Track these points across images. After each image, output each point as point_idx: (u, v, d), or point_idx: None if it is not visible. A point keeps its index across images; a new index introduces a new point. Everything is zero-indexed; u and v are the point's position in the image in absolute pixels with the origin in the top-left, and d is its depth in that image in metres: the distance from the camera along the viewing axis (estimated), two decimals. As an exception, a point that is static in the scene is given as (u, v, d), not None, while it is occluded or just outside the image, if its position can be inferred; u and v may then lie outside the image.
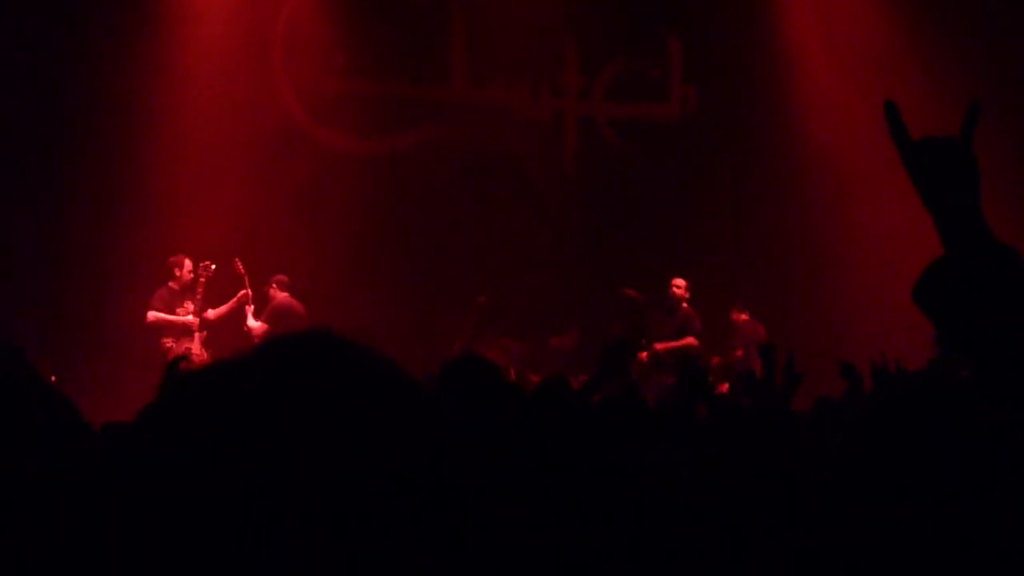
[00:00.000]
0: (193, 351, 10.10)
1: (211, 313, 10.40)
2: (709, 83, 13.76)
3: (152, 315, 10.13)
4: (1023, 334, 1.39)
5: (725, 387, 8.36)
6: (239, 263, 10.43)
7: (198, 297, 10.28)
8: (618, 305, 11.34)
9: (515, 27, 12.97)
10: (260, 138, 11.91)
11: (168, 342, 10.07)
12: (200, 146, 11.53)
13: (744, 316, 11.91)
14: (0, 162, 10.91)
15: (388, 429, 0.91)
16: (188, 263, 10.30)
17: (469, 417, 2.95)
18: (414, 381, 0.97)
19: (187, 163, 11.46)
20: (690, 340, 10.96)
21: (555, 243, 12.73)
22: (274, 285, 10.77)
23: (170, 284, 10.28)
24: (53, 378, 9.08)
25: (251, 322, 10.47)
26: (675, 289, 11.23)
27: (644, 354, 10.90)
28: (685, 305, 11.21)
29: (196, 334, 10.23)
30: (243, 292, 10.43)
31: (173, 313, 10.26)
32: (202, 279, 10.25)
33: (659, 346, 10.94)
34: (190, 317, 10.22)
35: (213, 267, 10.28)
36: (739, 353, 11.48)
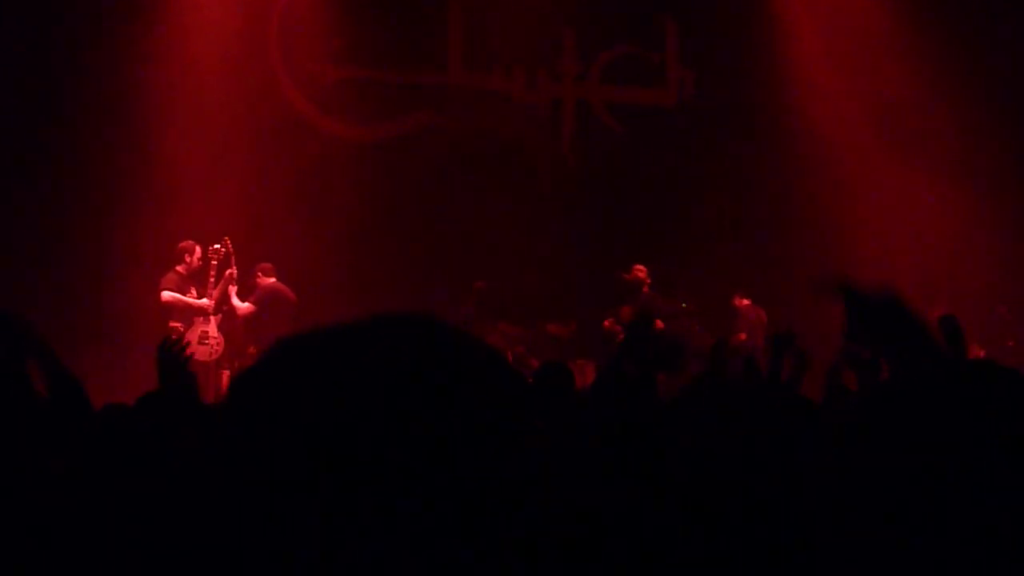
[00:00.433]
0: (211, 333, 10.14)
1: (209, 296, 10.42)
2: (707, 67, 13.74)
3: (168, 295, 10.13)
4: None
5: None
6: (228, 242, 10.41)
7: (210, 280, 10.31)
8: (617, 289, 11.35)
9: (513, 13, 12.96)
10: (259, 125, 11.90)
11: (177, 326, 10.07)
12: (199, 133, 11.52)
13: (746, 301, 11.96)
14: (1, 151, 10.91)
15: (497, 411, 0.91)
16: (199, 250, 10.31)
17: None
18: (517, 371, 0.97)
19: (186, 150, 11.45)
20: (657, 324, 10.85)
21: (554, 228, 12.72)
22: (259, 273, 10.78)
23: (178, 269, 10.27)
24: (62, 364, 9.10)
25: (236, 302, 10.48)
26: (637, 274, 11.23)
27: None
28: (646, 290, 11.18)
29: (212, 317, 10.27)
30: (229, 272, 10.41)
31: (181, 306, 10.27)
32: (213, 261, 10.28)
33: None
34: (205, 300, 10.25)
35: (223, 250, 10.30)
36: (743, 337, 11.54)
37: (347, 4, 12.59)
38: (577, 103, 13.73)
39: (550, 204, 12.97)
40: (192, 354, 4.03)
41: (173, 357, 3.46)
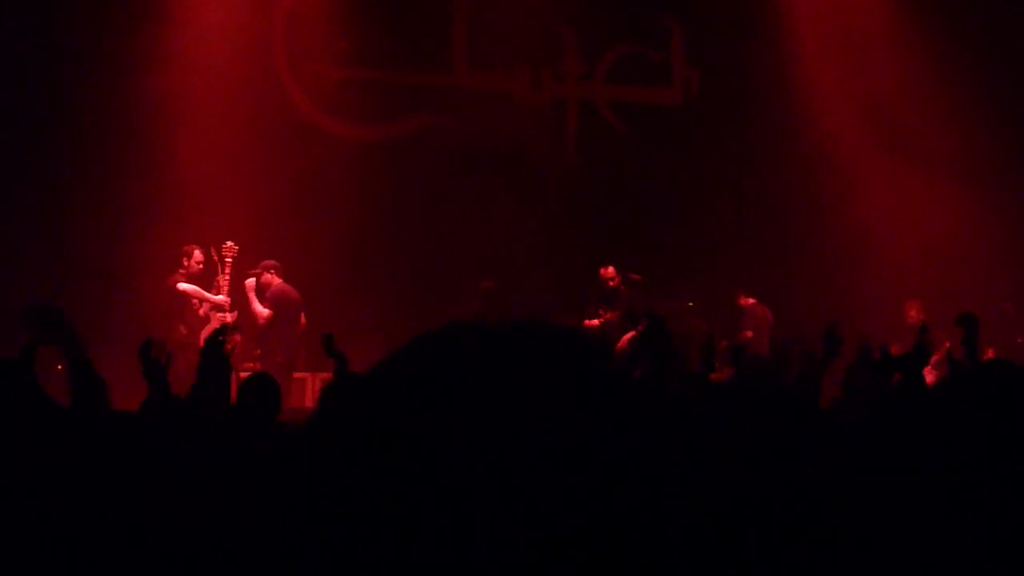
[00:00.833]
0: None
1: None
2: (712, 66, 13.73)
3: (185, 286, 10.15)
4: None
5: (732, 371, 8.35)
6: (232, 247, 10.41)
7: (225, 278, 10.32)
8: (596, 291, 11.35)
9: (516, 13, 12.95)
10: (263, 126, 11.91)
11: (183, 329, 10.05)
12: (203, 134, 11.51)
13: (751, 300, 11.96)
14: (4, 154, 10.91)
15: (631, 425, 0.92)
16: (198, 252, 10.30)
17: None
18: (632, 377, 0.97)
19: (190, 151, 11.44)
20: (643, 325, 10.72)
21: (558, 228, 12.72)
22: (272, 271, 10.75)
23: (180, 272, 10.29)
24: (59, 367, 9.11)
25: (258, 307, 10.46)
26: (609, 283, 11.10)
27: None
28: (624, 289, 11.03)
29: (228, 315, 10.29)
30: (248, 281, 10.43)
31: (187, 304, 10.26)
32: (228, 259, 10.30)
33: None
34: (222, 297, 10.26)
35: (235, 247, 10.33)
36: (749, 335, 11.54)
37: (351, 5, 12.59)
38: (581, 103, 13.73)
39: (554, 204, 12.97)
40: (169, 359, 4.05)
41: (154, 362, 3.47)
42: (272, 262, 10.78)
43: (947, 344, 9.25)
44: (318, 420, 0.98)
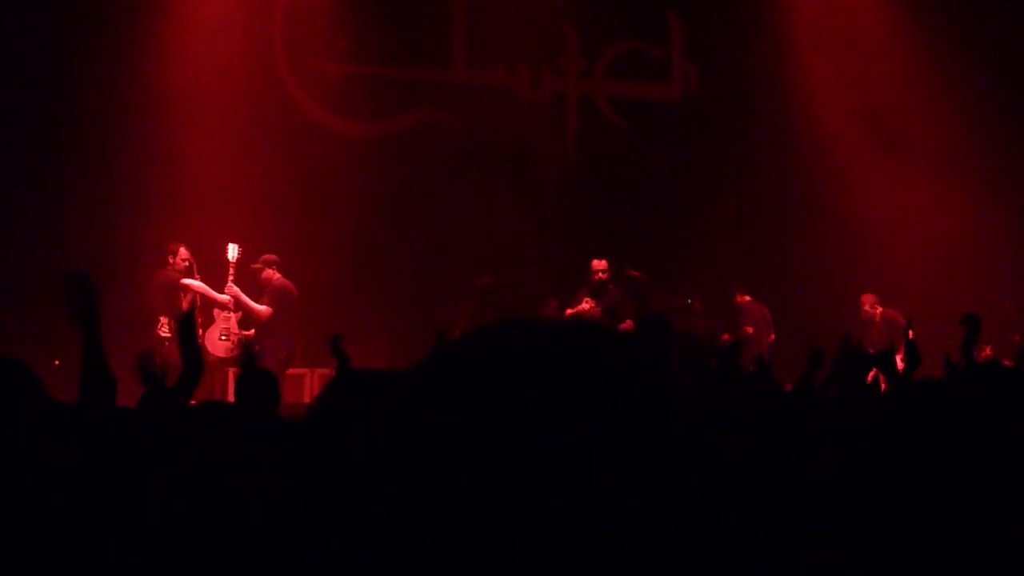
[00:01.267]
0: (231, 331, 10.18)
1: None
2: (711, 62, 13.73)
3: (190, 282, 10.16)
4: None
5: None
6: (235, 248, 10.41)
7: (231, 277, 10.33)
8: (621, 286, 11.31)
9: (516, 9, 12.95)
10: (262, 122, 11.89)
11: (171, 325, 10.04)
12: (201, 131, 11.49)
13: (747, 298, 11.97)
14: (2, 152, 10.91)
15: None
16: (183, 251, 10.29)
17: None
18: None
19: (188, 147, 11.43)
20: (627, 324, 10.53)
21: (558, 224, 12.72)
22: (272, 266, 10.72)
23: (166, 269, 10.28)
24: (56, 362, 9.12)
25: (254, 305, 10.44)
26: (596, 275, 10.80)
27: None
28: (612, 288, 10.78)
29: (232, 314, 10.30)
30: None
31: (176, 299, 10.25)
32: (234, 259, 10.33)
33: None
34: (226, 296, 10.27)
35: (238, 249, 10.35)
36: (750, 331, 11.57)
37: (351, 1, 12.58)
38: (581, 99, 13.72)
39: (554, 200, 12.97)
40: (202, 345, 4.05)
41: (153, 375, 3.46)
42: (272, 257, 10.75)
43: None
44: (320, 418, 0.98)
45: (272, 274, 10.68)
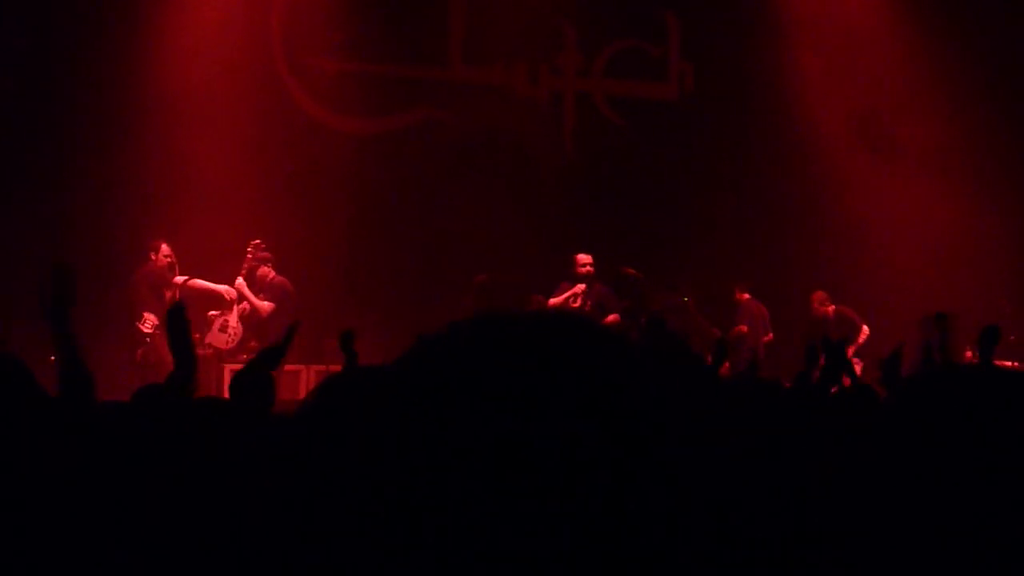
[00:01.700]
0: (230, 323, 10.22)
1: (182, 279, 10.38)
2: (708, 61, 13.74)
3: (196, 282, 10.19)
4: None
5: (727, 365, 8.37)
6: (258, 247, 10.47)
7: (243, 273, 10.36)
8: (618, 283, 11.30)
9: (513, 7, 12.96)
10: (259, 119, 11.89)
11: (152, 317, 10.00)
12: (199, 128, 11.49)
13: (746, 295, 11.99)
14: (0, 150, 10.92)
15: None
16: (165, 247, 10.28)
17: None
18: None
19: (188, 145, 11.43)
20: (614, 317, 10.52)
21: (555, 222, 12.72)
22: (268, 263, 10.73)
23: (148, 264, 10.26)
24: (52, 358, 9.10)
25: (257, 302, 10.45)
26: (580, 268, 10.65)
27: None
28: (581, 286, 10.61)
29: (235, 307, 10.32)
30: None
31: (160, 294, 10.21)
32: (249, 256, 10.33)
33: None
34: (224, 286, 10.31)
35: (261, 244, 10.40)
36: (744, 329, 11.59)
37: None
38: (578, 97, 13.72)
39: (551, 198, 12.96)
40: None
41: (183, 331, 3.46)
42: (268, 254, 10.76)
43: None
44: (311, 415, 0.97)
45: (268, 270, 10.70)
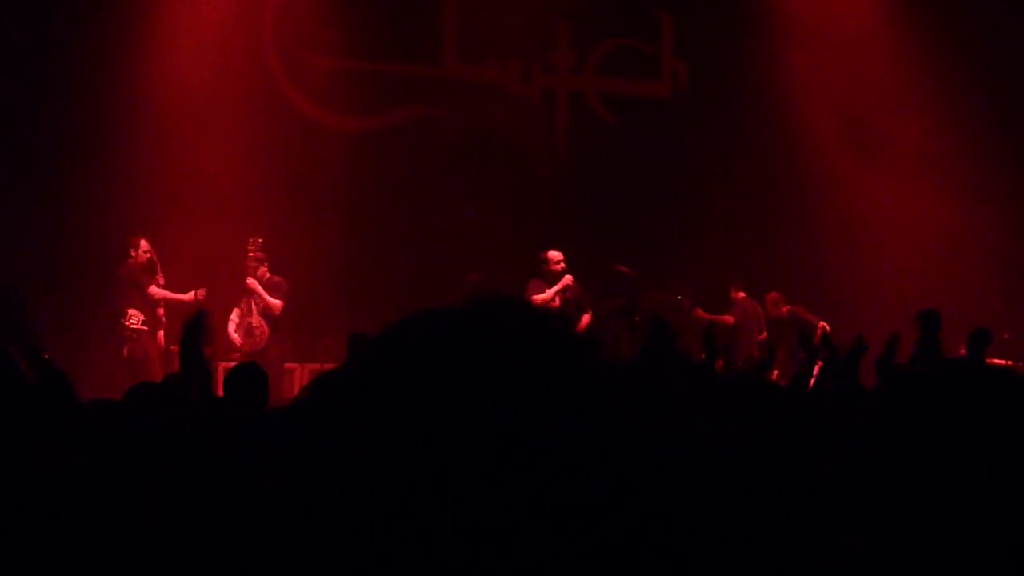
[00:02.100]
0: (254, 324, 10.27)
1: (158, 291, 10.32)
2: (701, 59, 13.74)
3: (156, 290, 10.16)
4: None
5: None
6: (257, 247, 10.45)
7: (249, 272, 10.35)
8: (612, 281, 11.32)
9: (506, 5, 12.96)
10: (251, 117, 11.87)
11: (137, 313, 9.97)
12: (192, 126, 11.47)
13: (741, 294, 12.01)
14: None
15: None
16: (144, 244, 10.24)
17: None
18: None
19: (181, 144, 11.41)
20: (587, 316, 10.41)
21: (548, 220, 12.71)
22: (264, 263, 10.68)
23: (128, 261, 10.23)
24: (46, 355, 9.08)
25: (270, 299, 10.42)
26: (554, 266, 10.38)
27: None
28: (570, 278, 10.34)
29: (254, 308, 10.33)
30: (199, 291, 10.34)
31: (141, 291, 10.16)
32: (251, 253, 10.32)
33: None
34: (190, 294, 10.25)
35: (261, 242, 10.39)
36: (729, 319, 11.70)
37: (342, -3, 12.56)
38: (571, 95, 13.72)
39: (544, 196, 12.96)
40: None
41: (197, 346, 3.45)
42: (262, 253, 10.74)
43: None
44: (302, 412, 0.97)
45: (266, 270, 10.69)
